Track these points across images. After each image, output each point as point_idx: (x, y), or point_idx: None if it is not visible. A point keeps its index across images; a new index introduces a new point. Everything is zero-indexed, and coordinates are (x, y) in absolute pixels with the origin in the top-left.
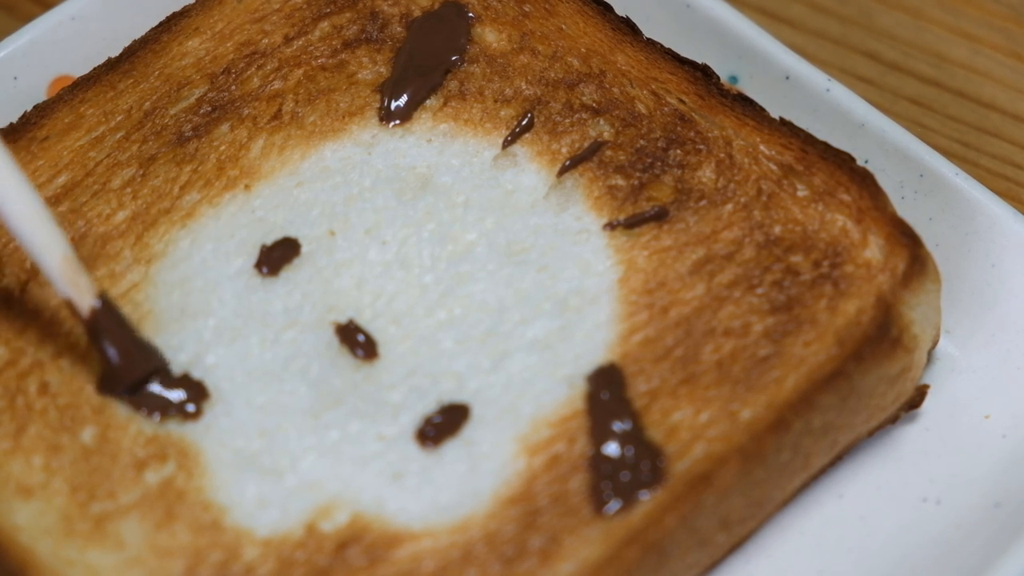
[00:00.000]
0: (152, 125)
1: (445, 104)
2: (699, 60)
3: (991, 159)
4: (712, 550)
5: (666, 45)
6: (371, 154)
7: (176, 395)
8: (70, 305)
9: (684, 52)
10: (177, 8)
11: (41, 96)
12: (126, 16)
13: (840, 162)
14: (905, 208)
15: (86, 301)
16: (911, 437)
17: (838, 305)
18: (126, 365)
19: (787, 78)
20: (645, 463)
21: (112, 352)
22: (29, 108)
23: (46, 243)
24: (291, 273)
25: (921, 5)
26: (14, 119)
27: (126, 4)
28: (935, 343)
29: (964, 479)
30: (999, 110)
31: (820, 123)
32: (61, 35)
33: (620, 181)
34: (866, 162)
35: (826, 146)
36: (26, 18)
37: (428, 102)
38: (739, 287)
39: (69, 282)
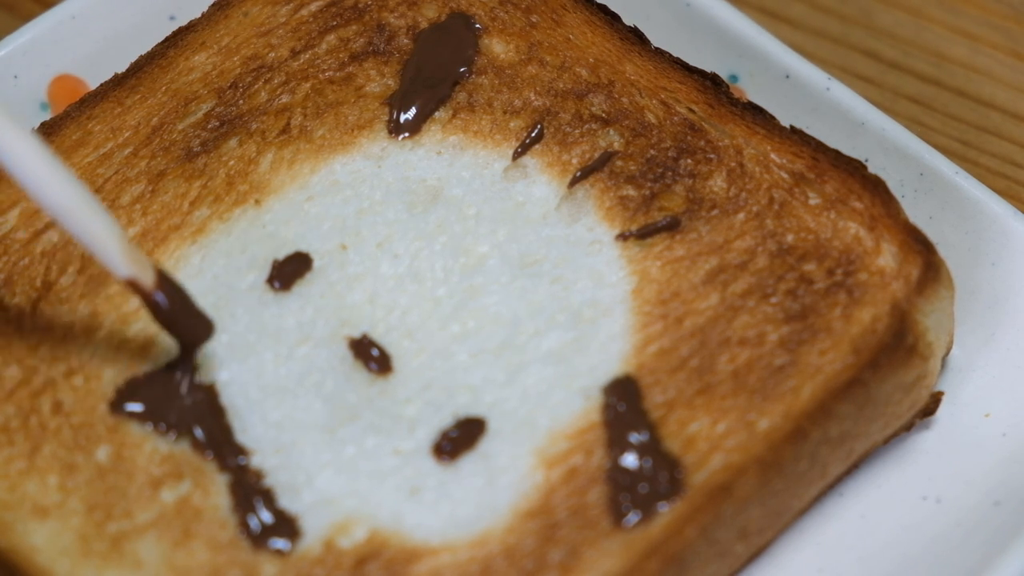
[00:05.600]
0: (160, 141)
1: (454, 116)
2: (698, 59)
3: (991, 158)
4: (731, 561)
5: (665, 44)
6: (381, 167)
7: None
8: (133, 284)
9: (684, 51)
10: (176, 9)
11: (41, 95)
12: (126, 15)
13: (852, 169)
14: (905, 207)
15: (148, 276)
16: (911, 435)
17: (853, 313)
18: (192, 333)
19: (787, 77)
20: (663, 474)
21: (178, 321)
22: (29, 107)
23: (102, 229)
24: (304, 288)
25: (921, 4)
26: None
27: (126, 3)
28: (949, 349)
29: (964, 477)
30: (999, 109)
31: (820, 122)
32: (61, 34)
33: (631, 191)
34: (866, 161)
35: (837, 153)
36: (26, 17)
37: (437, 114)
38: (753, 296)
39: (132, 261)
